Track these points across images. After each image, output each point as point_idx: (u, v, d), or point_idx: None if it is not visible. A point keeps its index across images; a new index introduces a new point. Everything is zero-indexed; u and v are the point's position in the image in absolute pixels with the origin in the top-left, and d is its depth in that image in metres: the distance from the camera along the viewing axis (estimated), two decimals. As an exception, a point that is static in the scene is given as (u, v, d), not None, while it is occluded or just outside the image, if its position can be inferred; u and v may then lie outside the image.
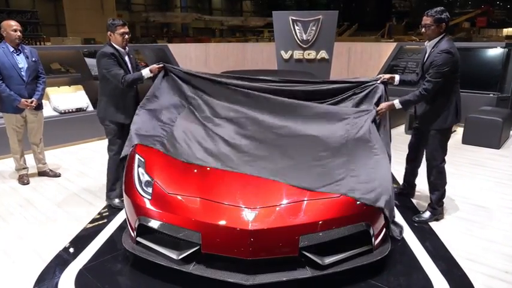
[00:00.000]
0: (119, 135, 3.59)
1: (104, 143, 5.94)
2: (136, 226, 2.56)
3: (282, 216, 2.36)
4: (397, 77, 3.34)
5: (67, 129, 5.65)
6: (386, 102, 3.15)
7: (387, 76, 3.30)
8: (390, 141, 3.13)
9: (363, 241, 2.51)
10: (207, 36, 26.51)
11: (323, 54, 6.69)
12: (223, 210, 2.40)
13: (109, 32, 3.44)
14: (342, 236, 2.38)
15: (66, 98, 5.78)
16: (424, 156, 3.45)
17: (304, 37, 6.65)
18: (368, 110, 3.12)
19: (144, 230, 2.56)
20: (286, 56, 6.78)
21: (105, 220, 3.44)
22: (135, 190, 2.66)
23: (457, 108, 3.19)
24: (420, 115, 3.34)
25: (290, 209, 2.42)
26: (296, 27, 6.66)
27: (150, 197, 2.58)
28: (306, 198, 2.48)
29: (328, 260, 2.37)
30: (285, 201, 2.47)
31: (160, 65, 3.45)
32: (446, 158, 3.31)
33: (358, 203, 2.49)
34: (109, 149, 3.65)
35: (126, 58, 3.51)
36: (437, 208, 3.40)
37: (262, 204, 2.42)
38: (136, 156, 2.91)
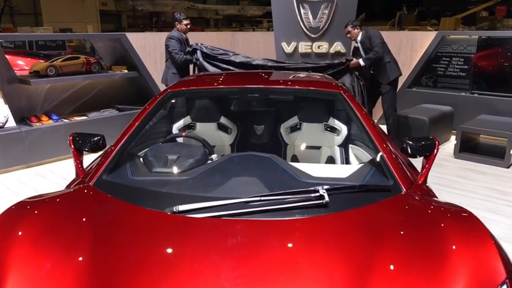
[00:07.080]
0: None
1: (25, 173, 4.06)
2: None
3: None
4: (361, 62, 4.52)
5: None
6: (355, 60, 4.53)
7: (353, 63, 4.53)
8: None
9: None
10: (200, 27, 24.88)
11: (338, 46, 5.13)
12: None
13: (176, 22, 4.85)
14: None
15: (-28, 111, 4.08)
16: (383, 107, 4.82)
17: (313, 24, 5.10)
18: None
19: None
20: (288, 49, 5.25)
21: None
22: None
23: (396, 62, 4.71)
24: (377, 75, 4.68)
25: None
26: (302, 11, 5.13)
27: None
28: None
29: None
30: None
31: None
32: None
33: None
34: None
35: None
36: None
37: None
38: None
